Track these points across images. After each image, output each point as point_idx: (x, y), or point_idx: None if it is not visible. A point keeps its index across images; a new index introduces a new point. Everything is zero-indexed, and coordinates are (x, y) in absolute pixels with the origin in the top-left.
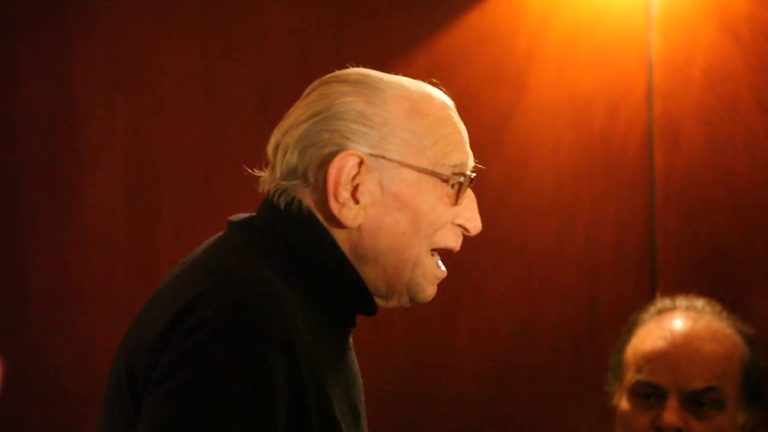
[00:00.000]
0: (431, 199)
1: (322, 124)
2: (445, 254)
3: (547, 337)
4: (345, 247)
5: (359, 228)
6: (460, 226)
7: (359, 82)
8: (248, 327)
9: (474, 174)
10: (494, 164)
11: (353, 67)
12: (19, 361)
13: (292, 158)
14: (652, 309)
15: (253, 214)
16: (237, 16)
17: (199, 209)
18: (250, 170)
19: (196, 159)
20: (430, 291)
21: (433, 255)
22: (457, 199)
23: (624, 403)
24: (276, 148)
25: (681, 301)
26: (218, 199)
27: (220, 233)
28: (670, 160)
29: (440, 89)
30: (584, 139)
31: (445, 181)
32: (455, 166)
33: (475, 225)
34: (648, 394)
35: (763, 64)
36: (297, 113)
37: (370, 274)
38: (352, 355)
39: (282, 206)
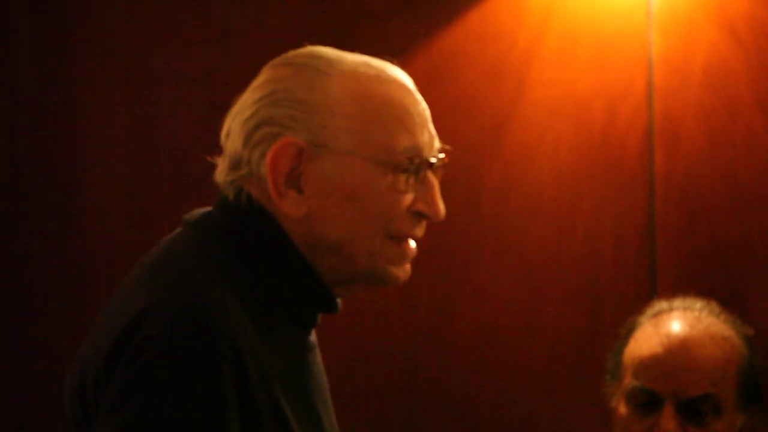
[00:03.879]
0: (380, 187)
1: (264, 110)
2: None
3: (546, 337)
4: (297, 239)
5: (307, 218)
6: (419, 213)
7: (304, 65)
8: (192, 344)
9: (434, 158)
10: (494, 164)
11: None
12: (19, 361)
13: (238, 146)
14: (650, 311)
15: (209, 209)
16: (237, 17)
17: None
18: (209, 158)
19: (196, 159)
20: (398, 273)
21: (396, 240)
22: (413, 186)
23: (622, 408)
24: (226, 132)
25: (679, 303)
26: None
27: (177, 231)
28: (670, 160)
29: (397, 67)
30: (584, 139)
31: (397, 167)
32: (406, 150)
33: (435, 211)
34: (645, 401)
35: (763, 64)
36: (245, 97)
37: (325, 264)
38: (315, 355)
39: (232, 199)
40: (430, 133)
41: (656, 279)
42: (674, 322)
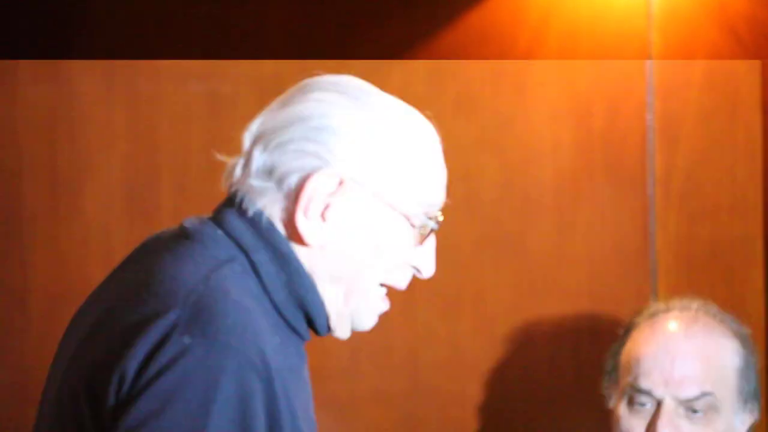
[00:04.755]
0: (397, 235)
1: (313, 132)
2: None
3: (546, 336)
4: (305, 262)
5: (320, 247)
6: (414, 267)
7: (357, 99)
8: (228, 354)
9: (442, 218)
10: (494, 163)
11: (358, 66)
12: (19, 361)
13: (272, 157)
14: (647, 312)
15: (211, 217)
16: (237, 16)
17: (199, 209)
18: (220, 156)
19: (196, 159)
20: (371, 322)
21: (383, 288)
22: (420, 241)
23: (619, 408)
24: (256, 139)
25: (676, 304)
26: (218, 199)
27: (174, 235)
28: (670, 160)
29: (427, 120)
30: (584, 139)
31: (415, 221)
32: (428, 207)
33: (429, 270)
34: (642, 401)
35: (763, 64)
36: (287, 112)
37: (323, 293)
38: (307, 368)
39: (247, 214)
40: (444, 192)
41: (656, 279)
42: (671, 322)
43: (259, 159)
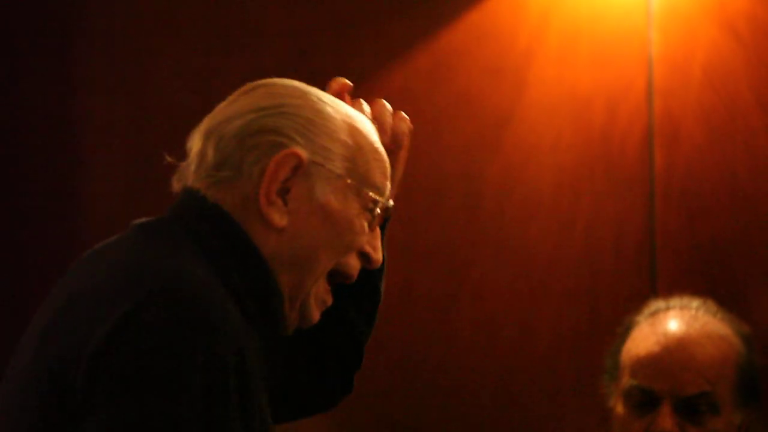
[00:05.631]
0: (353, 217)
1: (269, 119)
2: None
3: (546, 335)
4: (266, 251)
5: (281, 231)
6: (364, 254)
7: (306, 92)
8: (203, 329)
9: (392, 203)
10: (493, 162)
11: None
12: None
13: (228, 147)
14: (647, 310)
15: (168, 214)
16: (237, 16)
17: None
18: (169, 159)
19: None
20: (316, 315)
21: (331, 277)
22: (372, 227)
23: (619, 407)
24: (207, 136)
25: (675, 302)
26: None
27: (124, 236)
28: (670, 159)
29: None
30: (584, 138)
31: (366, 204)
32: (379, 190)
33: (378, 258)
34: (642, 400)
35: (763, 62)
36: (238, 105)
37: (279, 279)
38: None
39: (203, 207)
40: (390, 182)
41: (656, 277)
42: (671, 321)
43: (212, 153)
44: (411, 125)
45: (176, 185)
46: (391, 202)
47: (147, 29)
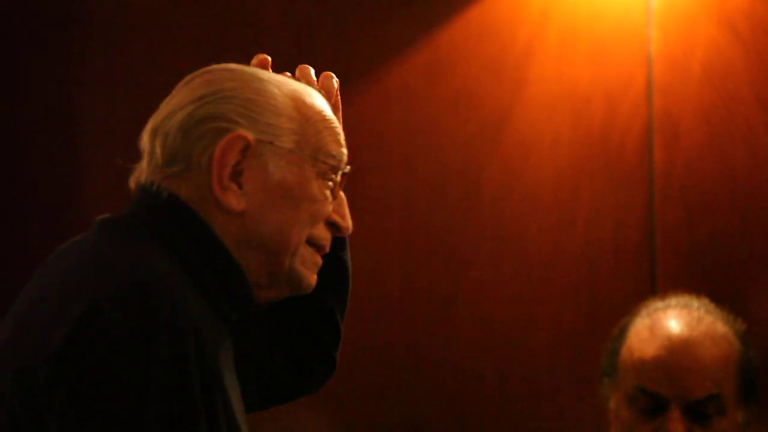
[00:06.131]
0: (313, 189)
1: (209, 106)
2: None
3: (545, 333)
4: (229, 236)
5: (242, 214)
6: (333, 224)
7: (244, 72)
8: (161, 326)
9: (348, 169)
10: (493, 160)
11: (357, 62)
12: None
13: (175, 142)
14: (644, 310)
15: (125, 211)
16: (237, 16)
17: None
18: (122, 162)
19: None
20: (311, 279)
21: (311, 246)
22: (334, 195)
23: (623, 411)
24: (154, 134)
25: (673, 301)
26: None
27: (88, 234)
28: (670, 156)
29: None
30: (583, 135)
31: (325, 173)
32: (334, 157)
33: (348, 224)
34: (648, 404)
35: (763, 60)
36: (179, 98)
37: (252, 262)
38: (232, 356)
39: (158, 199)
40: (345, 148)
41: (655, 275)
42: (672, 322)
43: (160, 150)
44: (338, 79)
45: (132, 184)
46: (346, 169)
47: (147, 29)
